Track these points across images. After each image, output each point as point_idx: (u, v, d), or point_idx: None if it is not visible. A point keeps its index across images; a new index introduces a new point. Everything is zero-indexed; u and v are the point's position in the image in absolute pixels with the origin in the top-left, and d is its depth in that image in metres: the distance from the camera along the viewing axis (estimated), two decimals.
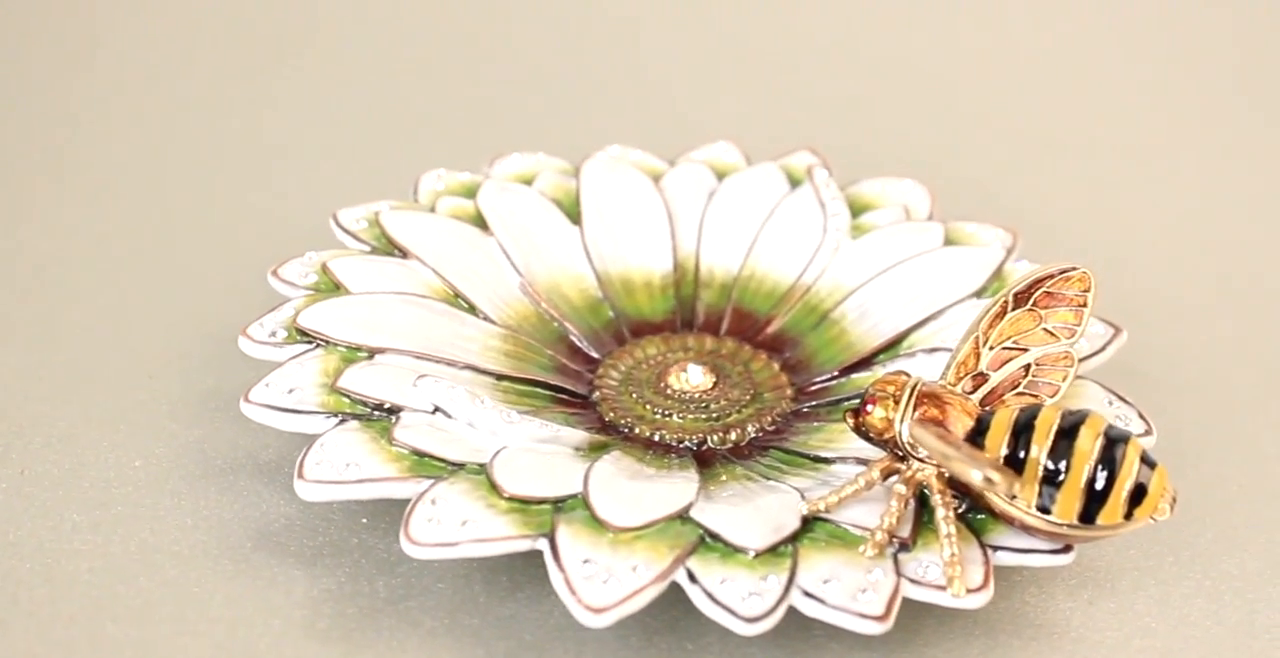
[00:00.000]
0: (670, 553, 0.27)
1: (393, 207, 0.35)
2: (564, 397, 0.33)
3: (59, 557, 0.29)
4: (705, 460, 0.31)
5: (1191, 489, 0.32)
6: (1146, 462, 0.27)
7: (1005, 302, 0.30)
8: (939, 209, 0.37)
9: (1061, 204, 0.42)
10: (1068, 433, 0.27)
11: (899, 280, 0.34)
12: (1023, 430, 0.27)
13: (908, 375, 0.28)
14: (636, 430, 0.32)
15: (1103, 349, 0.32)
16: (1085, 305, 0.30)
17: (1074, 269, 0.30)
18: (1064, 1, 0.53)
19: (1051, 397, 0.30)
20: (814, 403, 0.33)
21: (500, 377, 0.32)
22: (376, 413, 0.29)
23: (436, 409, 0.29)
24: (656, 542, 0.27)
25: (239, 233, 0.38)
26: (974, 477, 0.26)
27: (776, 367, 0.34)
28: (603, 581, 0.26)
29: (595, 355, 0.34)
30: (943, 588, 0.27)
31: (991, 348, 0.29)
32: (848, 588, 0.27)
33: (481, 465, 0.28)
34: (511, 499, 0.28)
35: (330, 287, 0.32)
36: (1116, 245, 0.40)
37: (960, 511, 0.28)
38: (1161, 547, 0.31)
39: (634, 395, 0.32)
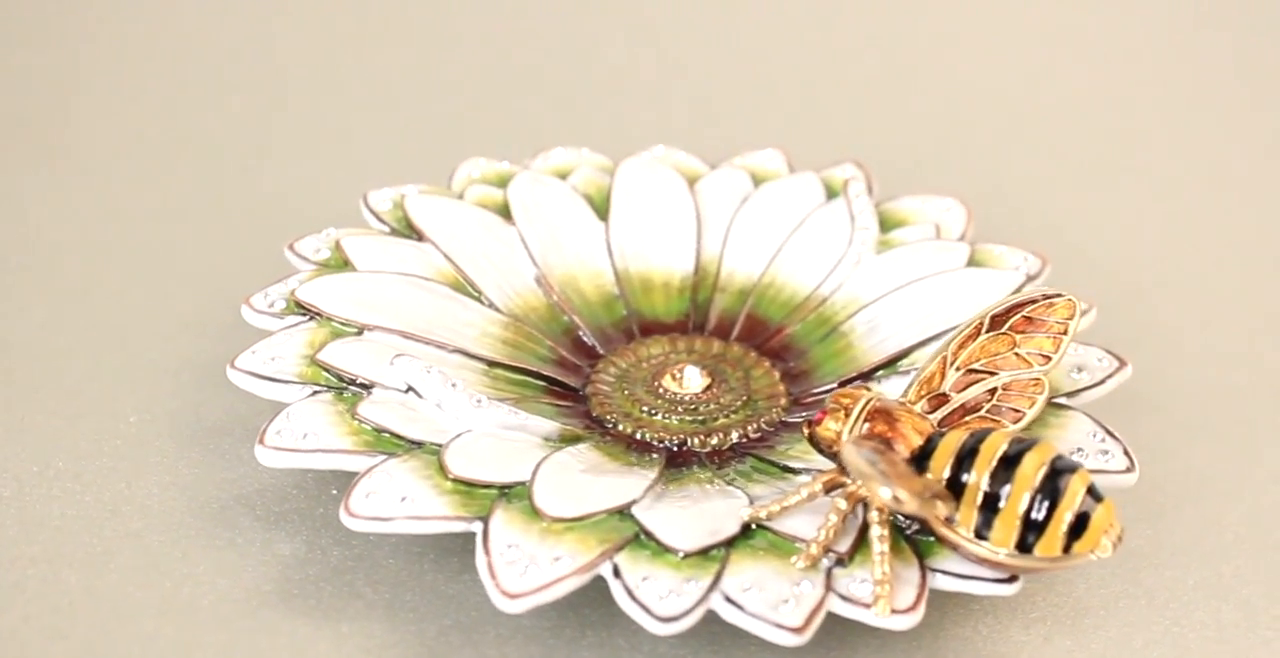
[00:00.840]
0: (598, 547, 0.27)
1: (421, 191, 0.35)
2: (556, 389, 0.33)
3: (34, 501, 0.30)
4: (681, 462, 0.31)
5: (1184, 532, 0.31)
6: (1093, 495, 0.26)
7: (980, 324, 0.29)
8: (975, 229, 0.36)
9: (1106, 231, 0.41)
10: (1012, 460, 0.26)
11: (913, 298, 0.34)
12: (967, 454, 0.26)
13: (867, 390, 0.28)
14: (620, 427, 0.32)
15: (1102, 382, 0.31)
16: (1065, 333, 0.29)
17: (1058, 296, 0.29)
18: (1125, 25, 0.52)
19: (1015, 423, 0.29)
20: (806, 414, 0.32)
21: (492, 364, 0.32)
22: (351, 388, 0.30)
23: (409, 388, 0.30)
24: (587, 535, 0.27)
25: (277, 209, 0.39)
26: (882, 494, 0.25)
27: (777, 375, 0.33)
28: (524, 567, 0.27)
29: (600, 351, 0.34)
30: (869, 606, 0.26)
31: (959, 369, 0.29)
32: (770, 597, 0.26)
33: (439, 446, 0.29)
34: (457, 481, 0.28)
35: (339, 263, 0.33)
36: (1154, 276, 0.39)
37: (911, 531, 0.28)
38: (1137, 588, 0.30)
39: (626, 392, 0.33)
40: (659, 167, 0.37)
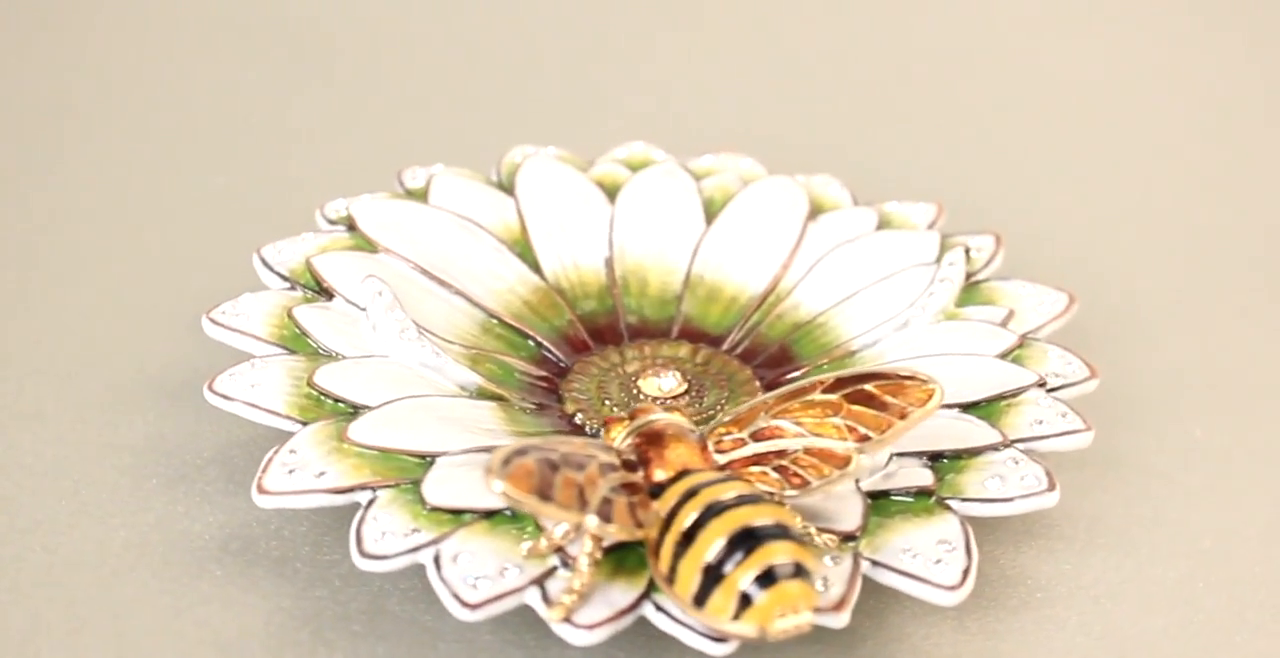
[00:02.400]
0: (362, 477, 0.28)
1: (555, 154, 0.37)
2: (548, 358, 0.33)
3: None
4: None
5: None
6: (792, 573, 0.24)
7: (821, 383, 0.27)
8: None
9: (1065, 215, 0.41)
10: (719, 510, 0.25)
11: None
12: (687, 497, 0.25)
13: (662, 413, 0.27)
14: (565, 406, 0.32)
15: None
16: (905, 418, 0.27)
17: (924, 382, 0.27)
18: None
19: (798, 488, 0.27)
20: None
21: (494, 315, 0.33)
22: (322, 352, 0.31)
23: (364, 308, 0.32)
24: (366, 464, 0.28)
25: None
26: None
27: (761, 381, 0.33)
28: (288, 471, 0.28)
29: (625, 338, 0.34)
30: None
31: (774, 417, 0.27)
32: (464, 571, 0.26)
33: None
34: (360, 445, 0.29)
35: (420, 193, 0.35)
36: (1102, 262, 0.39)
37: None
38: None
39: (600, 382, 0.33)
40: (780, 183, 0.36)
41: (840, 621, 0.25)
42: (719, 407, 0.32)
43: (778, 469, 0.26)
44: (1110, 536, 0.30)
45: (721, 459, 0.26)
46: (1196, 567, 0.30)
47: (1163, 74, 0.50)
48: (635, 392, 0.32)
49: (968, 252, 0.34)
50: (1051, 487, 0.28)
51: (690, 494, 0.25)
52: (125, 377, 0.34)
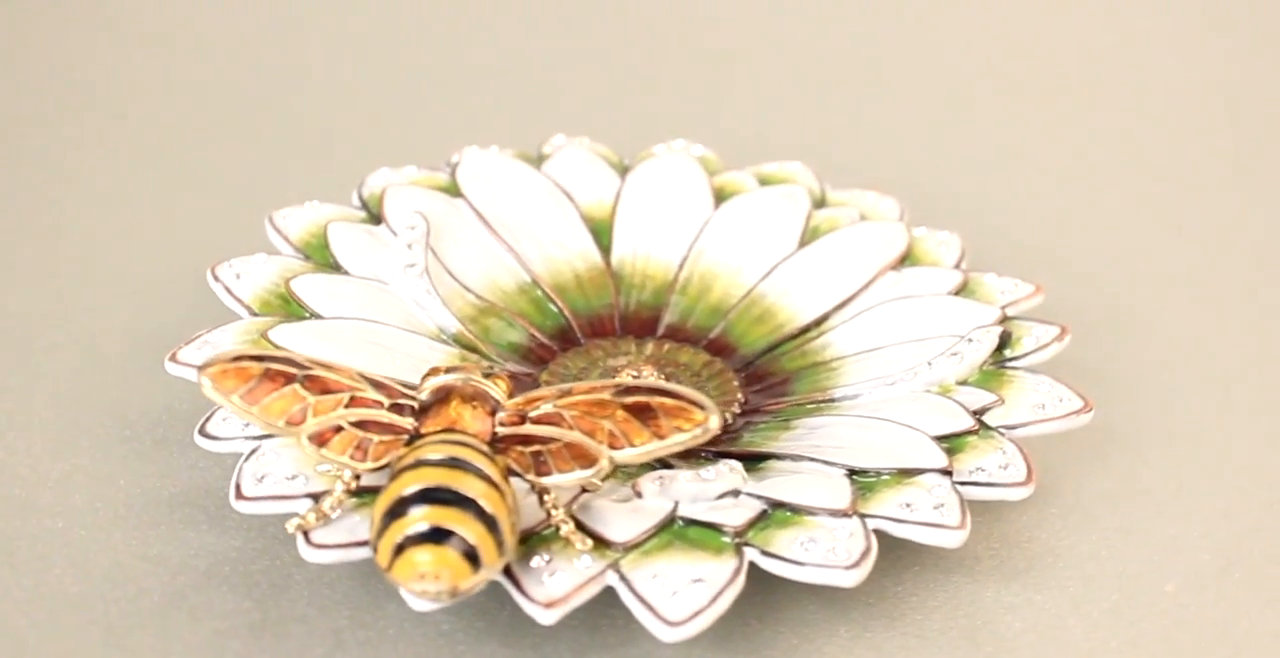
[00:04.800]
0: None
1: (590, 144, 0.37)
2: (565, 333, 0.34)
3: None
4: None
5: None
6: (441, 541, 0.24)
7: (616, 385, 0.26)
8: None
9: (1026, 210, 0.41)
10: (417, 465, 0.25)
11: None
12: (415, 449, 0.26)
13: (473, 374, 0.27)
14: (541, 377, 0.33)
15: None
16: (663, 438, 0.26)
17: (702, 411, 0.26)
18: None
19: (541, 475, 0.26)
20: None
21: (536, 280, 0.34)
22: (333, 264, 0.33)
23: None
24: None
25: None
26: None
27: (740, 395, 0.32)
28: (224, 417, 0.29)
29: (618, 334, 0.34)
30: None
31: (560, 406, 0.26)
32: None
33: None
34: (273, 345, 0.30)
35: (451, 187, 0.36)
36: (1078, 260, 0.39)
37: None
38: None
39: (586, 365, 0.33)
40: (887, 229, 0.35)
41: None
42: None
43: (535, 454, 0.26)
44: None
45: (502, 432, 0.26)
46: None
47: (1140, 58, 0.50)
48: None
49: (1004, 337, 0.31)
50: (855, 563, 0.26)
51: (418, 447, 0.25)
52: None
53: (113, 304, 0.36)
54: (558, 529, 0.26)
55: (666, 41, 0.50)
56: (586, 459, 0.26)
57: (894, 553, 0.29)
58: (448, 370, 0.27)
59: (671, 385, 0.26)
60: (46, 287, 0.36)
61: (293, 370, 0.26)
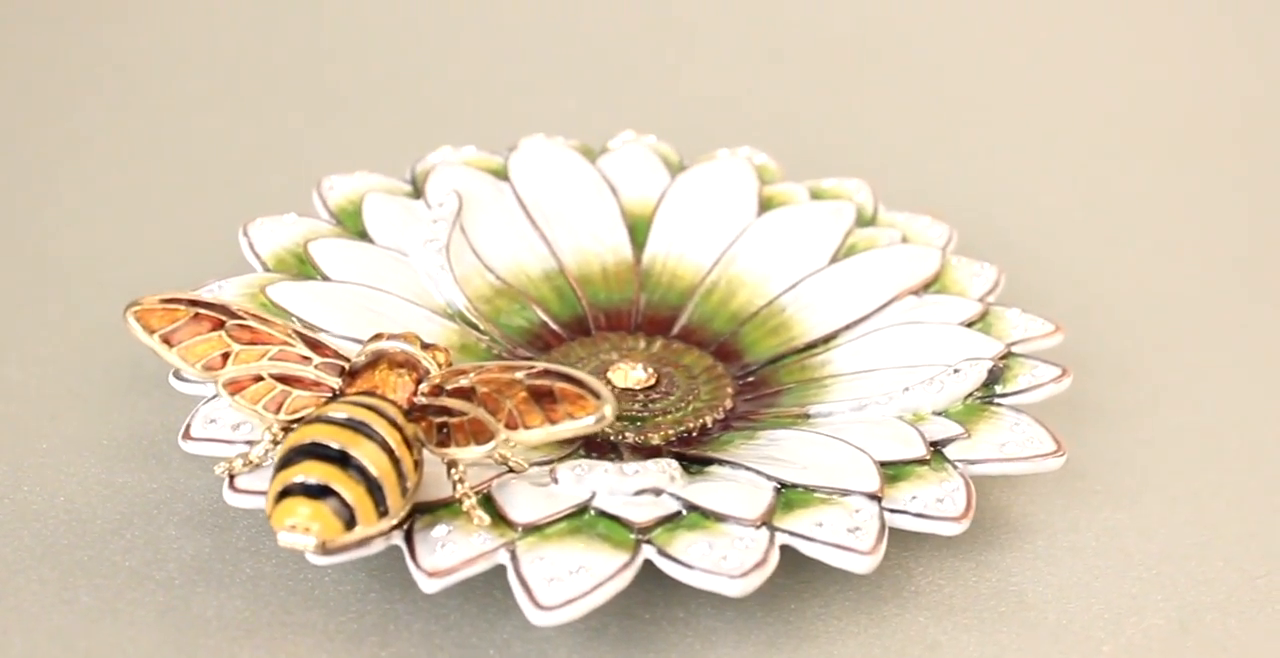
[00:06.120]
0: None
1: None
2: (579, 322, 0.34)
3: None
4: None
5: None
6: (316, 494, 0.25)
7: (530, 367, 0.26)
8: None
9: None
10: (314, 420, 0.26)
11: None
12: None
13: (406, 344, 0.28)
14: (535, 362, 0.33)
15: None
16: (555, 423, 0.26)
17: (598, 400, 0.26)
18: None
19: (438, 447, 0.26)
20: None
21: (563, 269, 0.35)
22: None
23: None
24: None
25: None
26: None
27: (729, 402, 0.32)
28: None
29: (628, 327, 0.34)
30: None
31: (475, 382, 0.27)
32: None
33: None
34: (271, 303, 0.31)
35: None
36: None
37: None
38: None
39: (585, 356, 0.33)
40: (924, 255, 0.34)
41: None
42: (678, 402, 0.31)
43: (440, 426, 0.26)
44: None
45: (419, 401, 0.27)
46: None
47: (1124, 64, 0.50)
48: (604, 378, 0.32)
49: (993, 373, 0.30)
50: (744, 574, 0.26)
51: (328, 405, 0.26)
52: None
53: (150, 256, 0.37)
54: (461, 503, 0.26)
55: (788, 51, 0.50)
56: (485, 435, 0.26)
57: (838, 576, 0.28)
58: (390, 338, 0.28)
59: (577, 372, 0.26)
60: (89, 234, 0.38)
61: (222, 318, 0.27)
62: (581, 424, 0.25)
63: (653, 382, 0.32)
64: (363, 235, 0.34)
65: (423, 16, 0.50)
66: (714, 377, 0.32)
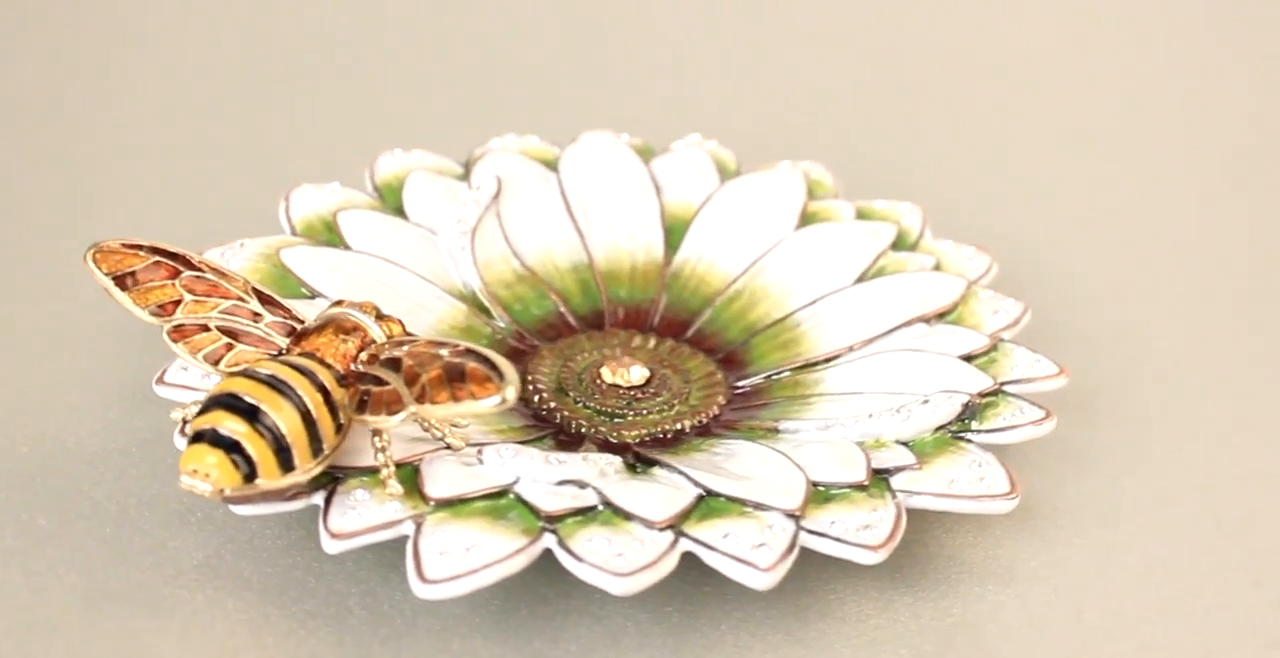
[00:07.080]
0: None
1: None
2: (595, 314, 0.35)
3: None
4: None
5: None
6: (217, 443, 0.26)
7: (455, 346, 0.27)
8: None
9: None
10: (238, 374, 0.27)
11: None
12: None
13: (360, 313, 0.28)
14: (543, 349, 0.34)
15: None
16: (459, 402, 0.26)
17: (500, 381, 0.26)
18: None
19: (358, 413, 0.27)
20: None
21: (591, 261, 0.35)
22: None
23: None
24: None
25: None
26: None
27: (716, 409, 0.32)
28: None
29: (648, 328, 0.34)
30: None
31: (406, 355, 0.27)
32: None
33: None
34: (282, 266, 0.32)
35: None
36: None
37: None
38: None
39: (589, 349, 0.33)
40: (948, 283, 0.34)
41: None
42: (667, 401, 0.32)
43: (364, 392, 0.27)
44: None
45: (355, 368, 0.27)
46: None
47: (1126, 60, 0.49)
48: (596, 372, 0.32)
49: (969, 408, 0.30)
50: (629, 573, 0.26)
51: (260, 361, 0.27)
52: None
53: (200, 215, 0.39)
54: (380, 471, 0.27)
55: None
56: (396, 406, 0.26)
57: (769, 593, 0.28)
58: (349, 305, 0.28)
59: (494, 356, 0.26)
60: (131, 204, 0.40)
61: (180, 268, 0.28)
62: (482, 405, 0.26)
63: (644, 382, 0.32)
64: (399, 211, 0.34)
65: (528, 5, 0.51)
66: (710, 384, 0.32)
